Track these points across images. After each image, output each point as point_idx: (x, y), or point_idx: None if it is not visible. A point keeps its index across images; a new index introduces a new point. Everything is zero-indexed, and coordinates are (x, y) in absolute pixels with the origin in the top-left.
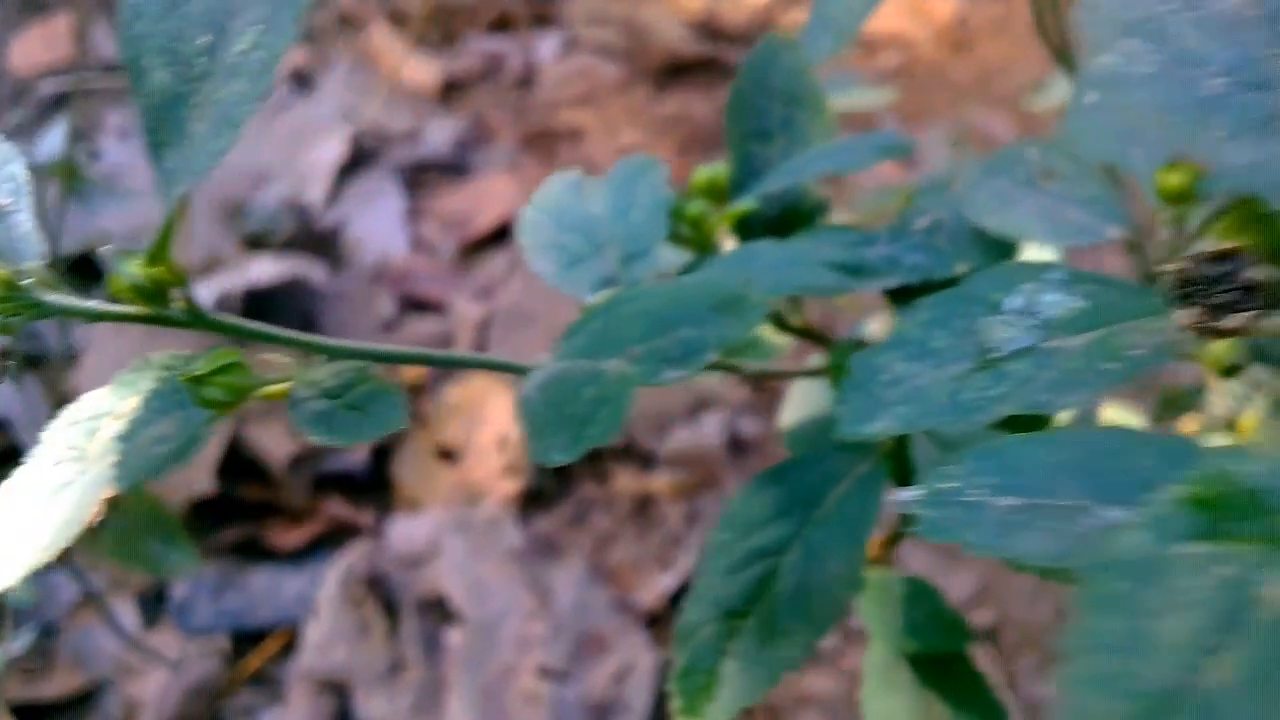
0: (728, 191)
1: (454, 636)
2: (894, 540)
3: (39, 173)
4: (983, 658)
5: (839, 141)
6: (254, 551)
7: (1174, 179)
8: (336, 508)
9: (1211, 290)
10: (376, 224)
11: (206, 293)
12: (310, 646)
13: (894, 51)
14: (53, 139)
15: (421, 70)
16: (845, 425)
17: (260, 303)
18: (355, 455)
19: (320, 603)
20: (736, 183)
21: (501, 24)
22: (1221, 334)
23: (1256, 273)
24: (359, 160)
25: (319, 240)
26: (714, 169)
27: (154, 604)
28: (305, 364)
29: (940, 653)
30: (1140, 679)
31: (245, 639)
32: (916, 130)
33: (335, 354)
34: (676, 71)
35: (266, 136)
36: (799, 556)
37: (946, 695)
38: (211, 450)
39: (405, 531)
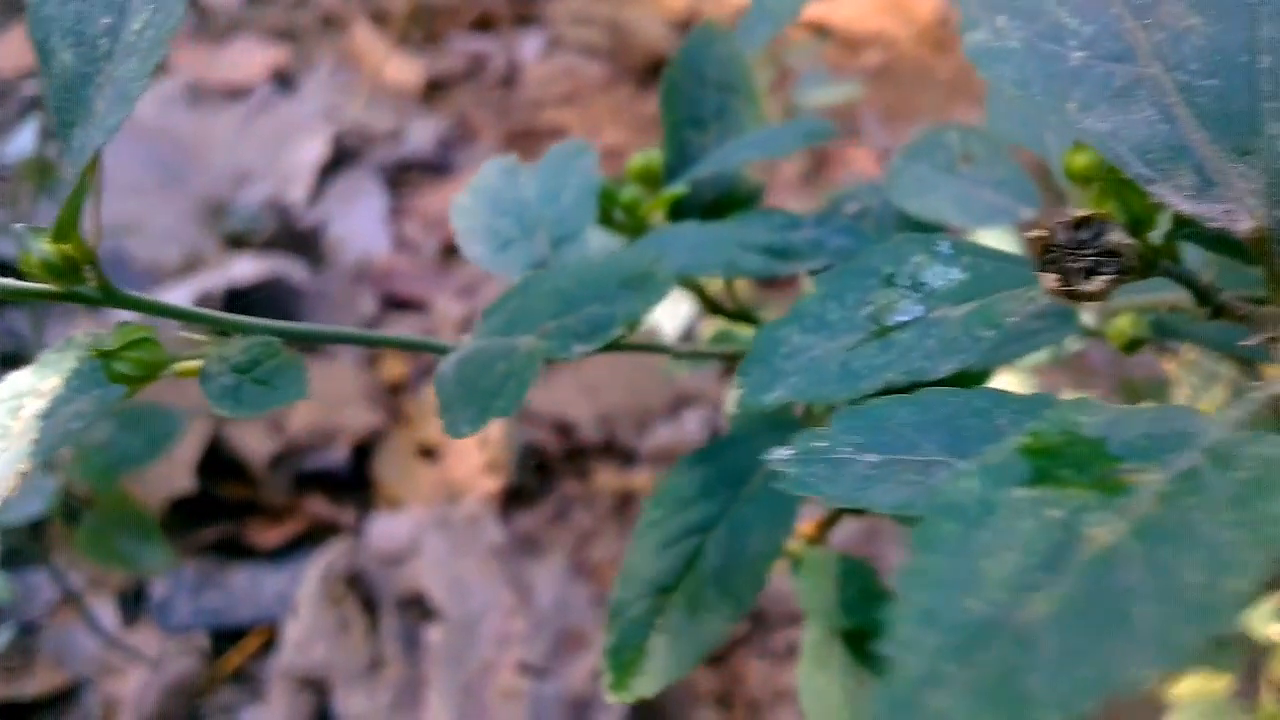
0: (662, 178)
1: (434, 634)
2: (831, 521)
3: (10, 171)
4: None
5: (768, 128)
6: (234, 550)
7: (1080, 160)
8: (317, 506)
9: (1072, 255)
10: (358, 223)
11: (186, 291)
12: (290, 644)
13: (876, 50)
14: (24, 138)
15: (404, 70)
16: (745, 396)
17: (240, 302)
18: (336, 453)
19: (300, 601)
20: (671, 169)
21: (484, 23)
22: (1081, 298)
23: (1116, 238)
24: (341, 160)
25: (300, 239)
26: (648, 155)
27: (134, 603)
28: (218, 342)
29: (873, 629)
30: (963, 612)
31: (225, 637)
32: (899, 127)
33: (250, 331)
34: (659, 70)
35: (248, 136)
36: (726, 533)
37: (878, 670)
38: (191, 449)
39: (386, 529)
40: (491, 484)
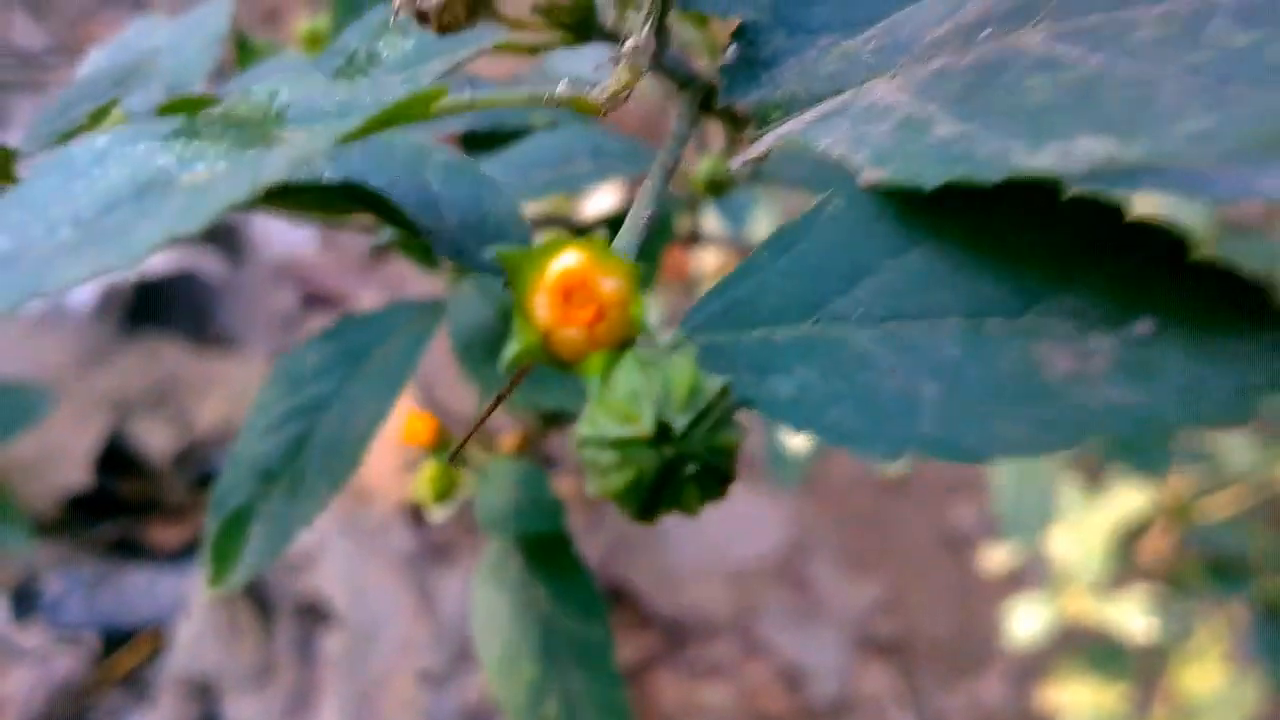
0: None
1: (331, 640)
2: (532, 437)
3: None
4: (885, 669)
5: None
6: (132, 550)
7: None
8: None
9: None
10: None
11: (94, 286)
12: (181, 647)
13: None
14: None
15: None
16: None
17: (151, 295)
18: None
19: (193, 603)
20: (340, 28)
21: None
22: (429, 20)
23: None
24: None
25: (216, 233)
26: (316, 21)
27: (27, 600)
28: None
29: (544, 536)
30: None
31: (118, 638)
32: None
33: None
34: None
35: None
36: (337, 413)
37: (549, 583)
38: (89, 443)
39: None
40: (406, 489)
